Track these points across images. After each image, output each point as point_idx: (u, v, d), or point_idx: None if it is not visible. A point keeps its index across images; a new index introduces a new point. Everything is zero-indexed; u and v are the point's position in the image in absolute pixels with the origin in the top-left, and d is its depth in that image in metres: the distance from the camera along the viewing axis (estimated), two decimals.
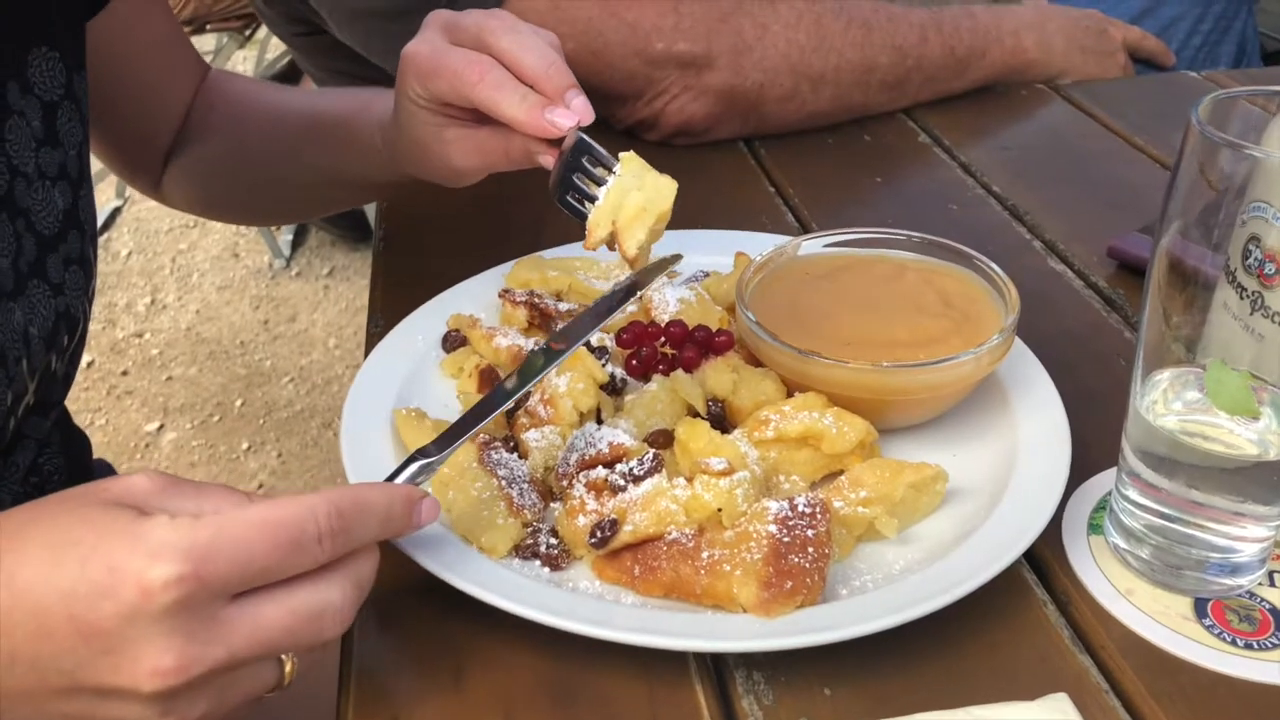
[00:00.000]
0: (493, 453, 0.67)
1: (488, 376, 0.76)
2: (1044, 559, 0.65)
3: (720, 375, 0.69)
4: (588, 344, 0.73)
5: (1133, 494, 0.62)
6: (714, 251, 0.89)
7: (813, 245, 0.81)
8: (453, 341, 0.80)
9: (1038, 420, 0.70)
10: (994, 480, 0.67)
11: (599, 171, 0.73)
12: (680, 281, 0.85)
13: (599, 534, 0.60)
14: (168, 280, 3.52)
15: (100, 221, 3.45)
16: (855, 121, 1.22)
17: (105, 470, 1.02)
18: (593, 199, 0.73)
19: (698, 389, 0.68)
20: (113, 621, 0.46)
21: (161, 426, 2.93)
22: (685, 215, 1.05)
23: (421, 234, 1.05)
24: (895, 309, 0.74)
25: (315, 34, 1.28)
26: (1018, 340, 0.75)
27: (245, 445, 2.82)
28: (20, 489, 0.74)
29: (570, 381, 0.68)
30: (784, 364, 0.69)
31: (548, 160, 0.75)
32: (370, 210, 2.39)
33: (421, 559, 0.60)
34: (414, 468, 0.59)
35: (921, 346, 0.70)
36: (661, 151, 1.19)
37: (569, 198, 0.75)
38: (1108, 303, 0.90)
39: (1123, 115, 1.24)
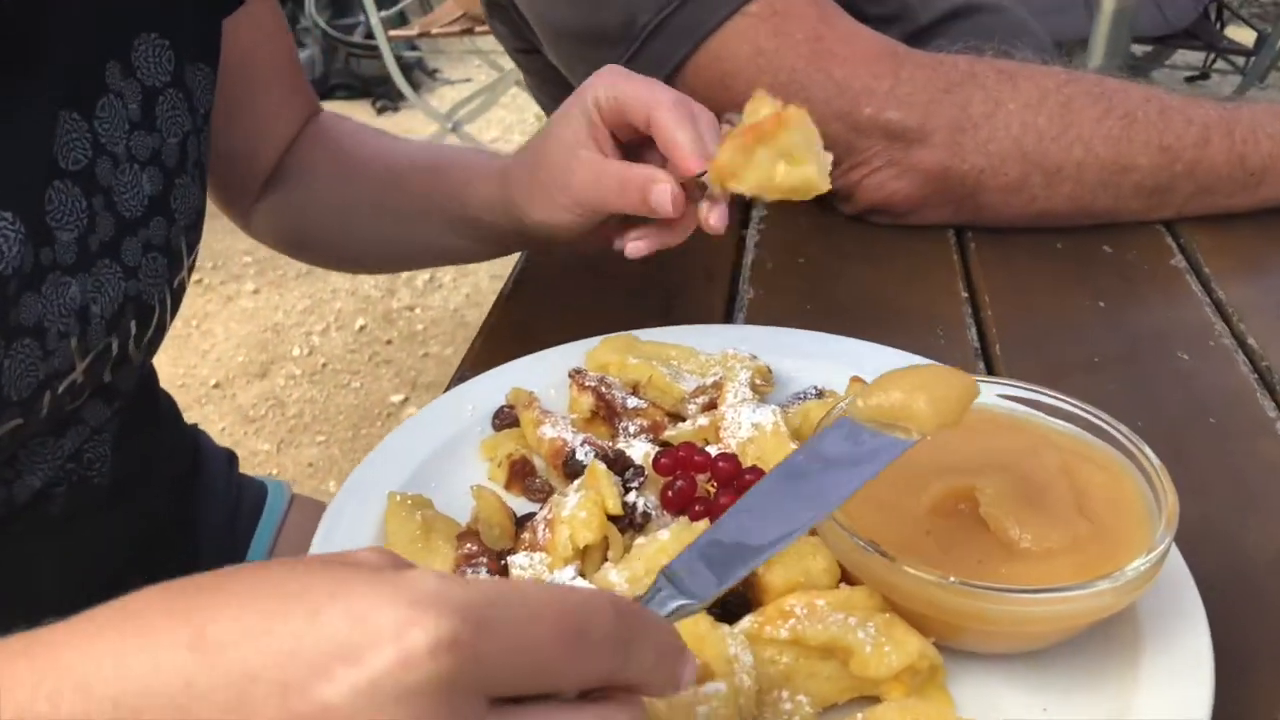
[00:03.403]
0: (470, 569, 0.57)
1: (519, 470, 0.66)
2: None
3: None
4: (609, 457, 0.61)
5: None
6: (851, 364, 0.75)
7: None
8: (503, 419, 0.71)
9: (1171, 682, 0.52)
10: None
11: None
12: (784, 397, 0.72)
13: None
14: None
15: None
16: (1098, 225, 1.02)
17: (220, 462, 1.00)
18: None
19: None
20: (344, 697, 0.32)
21: (406, 399, 3.04)
22: (849, 307, 0.91)
23: (558, 286, 0.97)
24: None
25: (533, 52, 1.23)
26: (1177, 558, 0.57)
27: None
28: (57, 474, 0.72)
29: (577, 505, 0.57)
30: (837, 546, 0.55)
31: (661, 197, 0.70)
32: None
33: None
34: (672, 605, 0.45)
35: (1030, 560, 0.53)
36: (854, 226, 1.05)
37: None
38: None
39: None
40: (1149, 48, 3.49)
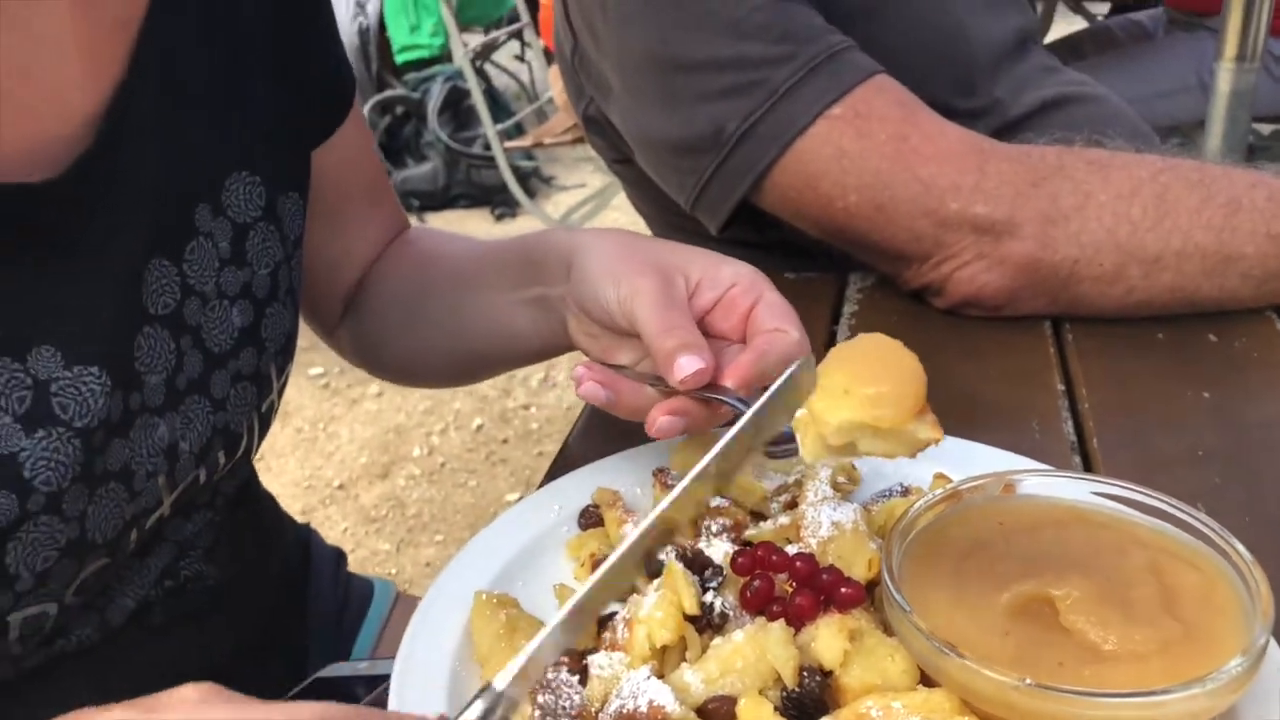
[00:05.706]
0: (551, 668, 0.58)
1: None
2: None
3: (830, 639, 0.55)
4: (688, 557, 0.62)
5: None
6: (938, 461, 0.74)
7: (1030, 485, 0.64)
8: (589, 518, 0.72)
9: None
10: None
11: None
12: (869, 494, 0.72)
13: None
14: (563, 360, 3.74)
15: None
16: (1203, 313, 0.99)
17: (328, 560, 1.03)
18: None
19: (791, 651, 0.55)
20: None
21: (521, 497, 3.08)
22: (941, 402, 0.89)
23: None
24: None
25: (627, 163, 1.28)
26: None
27: None
28: (152, 592, 0.74)
29: (654, 605, 0.58)
30: (914, 647, 0.54)
31: (685, 368, 0.65)
32: None
33: None
34: (479, 706, 0.46)
35: (1117, 663, 0.52)
36: (947, 319, 1.04)
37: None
38: None
39: None
40: (1276, 125, 3.39)
